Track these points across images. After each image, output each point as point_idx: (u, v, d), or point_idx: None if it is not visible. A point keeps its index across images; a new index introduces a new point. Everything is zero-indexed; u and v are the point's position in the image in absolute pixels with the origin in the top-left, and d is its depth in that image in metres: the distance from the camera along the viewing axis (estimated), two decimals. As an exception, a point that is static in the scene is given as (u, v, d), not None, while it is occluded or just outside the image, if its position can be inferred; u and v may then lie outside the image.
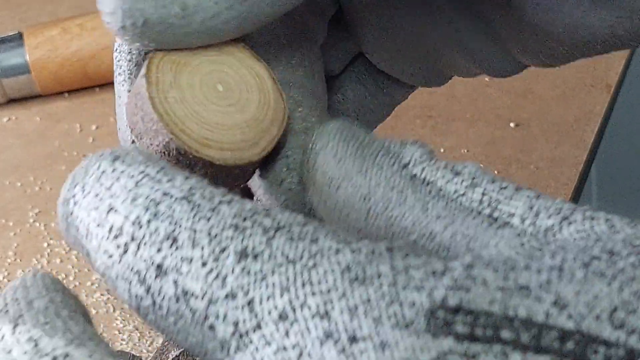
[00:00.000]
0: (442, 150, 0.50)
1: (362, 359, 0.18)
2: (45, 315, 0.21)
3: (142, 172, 0.22)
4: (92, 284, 0.42)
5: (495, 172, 0.48)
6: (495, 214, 0.23)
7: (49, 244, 0.45)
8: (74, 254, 0.44)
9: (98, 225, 0.22)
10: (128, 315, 0.41)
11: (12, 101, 0.56)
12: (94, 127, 0.54)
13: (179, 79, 0.25)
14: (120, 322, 0.40)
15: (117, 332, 0.40)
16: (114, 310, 0.41)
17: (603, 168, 0.63)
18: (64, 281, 0.43)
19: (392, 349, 0.18)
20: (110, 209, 0.22)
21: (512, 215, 0.22)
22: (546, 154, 0.49)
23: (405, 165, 0.25)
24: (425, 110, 0.53)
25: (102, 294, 0.42)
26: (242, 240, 0.20)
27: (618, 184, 0.72)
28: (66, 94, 0.57)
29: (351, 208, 0.25)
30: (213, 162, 0.25)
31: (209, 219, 0.21)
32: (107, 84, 0.57)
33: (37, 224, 0.46)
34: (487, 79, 0.56)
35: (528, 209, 0.22)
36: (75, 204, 0.23)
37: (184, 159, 0.25)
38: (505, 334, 0.17)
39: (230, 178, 0.26)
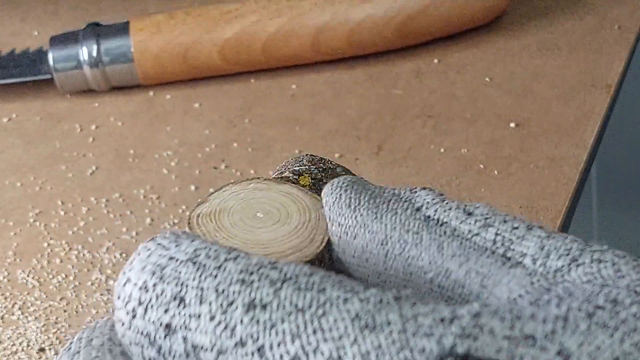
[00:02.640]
0: (442, 150, 0.50)
1: None
2: (97, 350, 0.23)
3: (159, 243, 0.23)
4: (92, 284, 0.42)
5: (495, 172, 0.48)
6: (509, 254, 0.23)
7: (49, 244, 0.45)
8: (74, 254, 0.44)
9: (118, 298, 0.23)
10: (128, 315, 0.41)
11: (12, 102, 0.56)
12: (93, 127, 0.54)
13: (220, 223, 0.27)
14: (120, 322, 0.40)
15: (117, 332, 0.40)
16: (114, 310, 0.41)
17: (603, 168, 0.63)
18: (64, 281, 0.43)
19: None
20: (127, 281, 0.23)
21: (524, 255, 0.23)
22: (546, 154, 0.49)
23: (419, 209, 0.25)
24: (425, 110, 0.53)
25: (101, 294, 0.42)
26: (250, 292, 0.21)
27: (618, 184, 0.72)
28: (68, 96, 0.57)
29: (369, 253, 0.25)
30: None
31: (215, 277, 0.21)
32: (186, 80, 0.57)
33: (37, 224, 0.46)
34: (487, 79, 0.56)
35: (539, 249, 0.23)
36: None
37: None
38: None
39: None
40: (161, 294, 0.22)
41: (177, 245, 0.23)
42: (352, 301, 0.20)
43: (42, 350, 0.39)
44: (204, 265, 0.22)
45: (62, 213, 0.47)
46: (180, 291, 0.21)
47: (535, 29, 0.60)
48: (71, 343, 0.24)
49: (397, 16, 0.55)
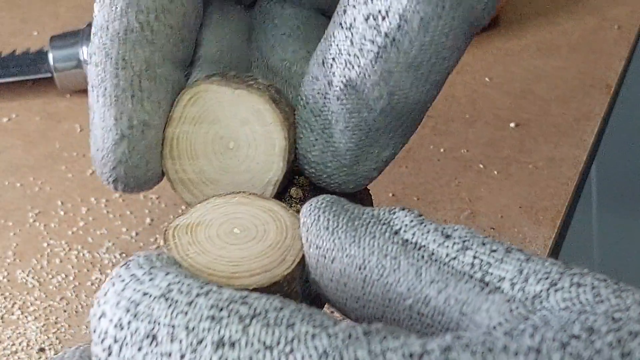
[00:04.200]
0: (442, 150, 0.50)
1: None
2: None
3: (132, 275, 0.23)
4: (92, 284, 0.42)
5: (495, 172, 0.48)
6: (487, 278, 0.23)
7: (48, 244, 0.45)
8: (73, 254, 0.44)
9: (94, 331, 0.23)
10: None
11: (12, 102, 0.56)
12: (94, 127, 0.54)
13: (195, 237, 0.28)
14: (120, 322, 0.40)
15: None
16: (114, 311, 0.41)
17: (603, 168, 0.63)
18: (64, 281, 0.43)
19: None
20: (102, 315, 0.23)
21: (502, 279, 0.23)
22: (546, 154, 0.49)
23: (397, 232, 0.25)
24: (425, 111, 0.53)
25: (102, 294, 0.42)
26: (219, 330, 0.21)
27: (618, 184, 0.72)
28: (68, 96, 0.57)
29: (347, 278, 0.25)
30: (248, 288, 0.26)
31: (186, 313, 0.22)
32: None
33: (37, 224, 0.46)
34: (487, 79, 0.56)
35: (518, 273, 0.23)
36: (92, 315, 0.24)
37: None
38: None
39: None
40: (135, 332, 0.22)
41: (151, 279, 0.23)
42: (320, 337, 0.20)
43: (42, 350, 0.39)
44: (176, 301, 0.22)
45: (62, 213, 0.47)
46: (153, 329, 0.22)
47: (535, 29, 0.60)
48: None
49: None
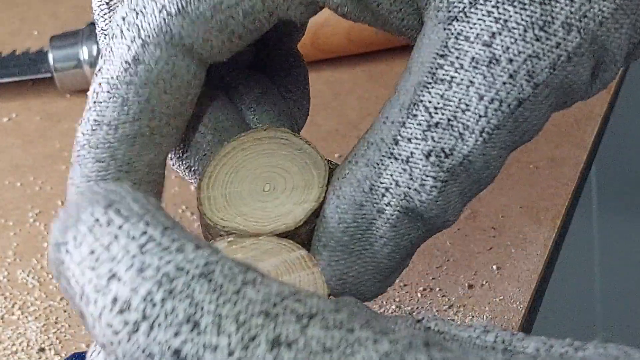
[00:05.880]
0: (442, 150, 0.50)
1: None
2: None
3: (144, 232, 0.21)
4: (92, 284, 0.42)
5: (495, 172, 0.48)
6: (510, 348, 0.23)
7: (49, 244, 0.45)
8: (74, 254, 0.44)
9: (97, 292, 0.20)
10: (128, 316, 0.41)
11: (12, 101, 0.56)
12: (94, 127, 0.54)
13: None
14: (120, 322, 0.40)
15: (117, 332, 0.40)
16: (114, 311, 0.41)
17: (603, 168, 0.63)
18: (64, 281, 0.43)
19: None
20: (112, 276, 0.20)
21: (526, 347, 0.23)
22: (546, 154, 0.49)
23: (419, 321, 0.25)
24: (425, 110, 0.53)
25: (102, 294, 0.42)
26: (274, 328, 0.19)
27: (618, 184, 0.72)
28: (68, 95, 0.57)
29: None
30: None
31: (235, 303, 0.20)
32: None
33: (37, 224, 0.46)
34: (487, 79, 0.56)
35: (542, 344, 0.23)
36: (67, 252, 0.21)
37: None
38: None
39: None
40: (171, 313, 0.19)
41: (179, 250, 0.20)
42: (381, 342, 0.19)
43: (42, 350, 0.39)
44: (221, 287, 0.20)
45: (62, 213, 0.47)
46: (195, 313, 0.19)
47: (535, 29, 0.60)
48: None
49: None
